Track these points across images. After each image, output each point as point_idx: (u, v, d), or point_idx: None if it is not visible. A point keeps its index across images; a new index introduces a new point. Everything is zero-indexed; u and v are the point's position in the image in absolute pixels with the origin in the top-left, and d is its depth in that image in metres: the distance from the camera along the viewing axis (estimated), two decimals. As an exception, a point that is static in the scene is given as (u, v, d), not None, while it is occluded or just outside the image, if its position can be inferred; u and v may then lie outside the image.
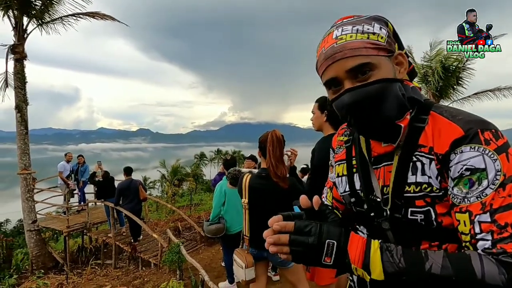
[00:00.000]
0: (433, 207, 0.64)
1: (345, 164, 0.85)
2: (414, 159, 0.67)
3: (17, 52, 6.85)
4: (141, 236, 6.82)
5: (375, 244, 0.60)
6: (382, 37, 0.65)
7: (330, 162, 0.95)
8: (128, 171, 6.57)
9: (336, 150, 0.91)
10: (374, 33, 0.65)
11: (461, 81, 10.10)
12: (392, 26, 0.71)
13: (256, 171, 2.09)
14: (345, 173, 0.85)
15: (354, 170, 0.81)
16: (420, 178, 0.65)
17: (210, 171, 42.02)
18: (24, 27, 6.99)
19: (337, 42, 0.66)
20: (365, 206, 0.77)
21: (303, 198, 0.65)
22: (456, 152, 0.60)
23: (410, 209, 0.67)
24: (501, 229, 0.54)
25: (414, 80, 0.80)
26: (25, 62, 7.03)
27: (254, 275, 1.96)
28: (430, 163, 0.64)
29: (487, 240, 0.55)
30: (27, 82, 7.04)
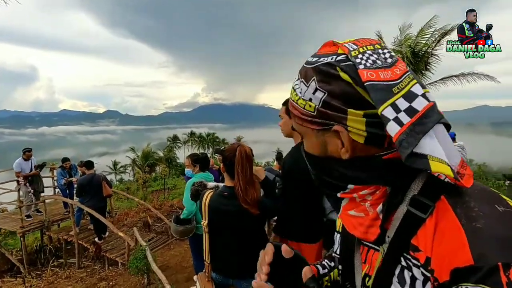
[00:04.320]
0: None
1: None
2: (403, 263, 0.46)
3: None
4: (107, 233, 6.41)
5: None
6: (310, 105, 0.50)
7: None
8: (88, 165, 6.03)
9: None
10: (303, 98, 0.51)
11: (429, 66, 10.35)
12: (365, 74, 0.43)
13: (222, 185, 1.83)
14: (339, 230, 0.67)
15: None
16: None
17: (183, 154, 41.11)
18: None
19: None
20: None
21: (285, 249, 0.56)
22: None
23: None
24: None
25: None
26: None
27: None
28: (425, 283, 0.43)
29: None
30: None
